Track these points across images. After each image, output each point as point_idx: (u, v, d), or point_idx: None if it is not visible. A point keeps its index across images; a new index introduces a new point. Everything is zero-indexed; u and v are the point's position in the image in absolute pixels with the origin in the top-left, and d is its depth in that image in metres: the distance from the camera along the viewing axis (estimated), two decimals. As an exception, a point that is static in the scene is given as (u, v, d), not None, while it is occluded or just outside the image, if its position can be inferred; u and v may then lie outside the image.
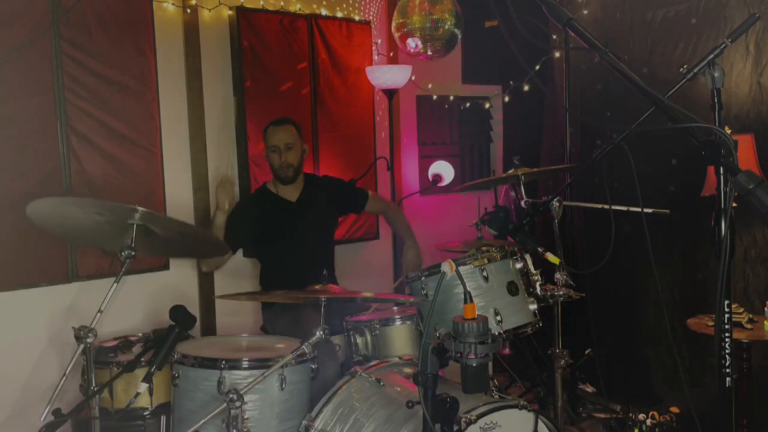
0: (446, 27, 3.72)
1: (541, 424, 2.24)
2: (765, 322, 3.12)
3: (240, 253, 3.77)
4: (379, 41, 4.41)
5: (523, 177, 3.30)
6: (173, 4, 3.56)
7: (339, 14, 4.18)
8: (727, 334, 1.61)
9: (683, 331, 3.44)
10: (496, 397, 2.31)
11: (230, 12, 3.74)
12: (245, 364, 2.39)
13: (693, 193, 3.33)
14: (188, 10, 3.60)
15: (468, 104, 4.98)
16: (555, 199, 2.78)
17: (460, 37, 3.80)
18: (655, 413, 3.48)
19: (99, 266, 3.32)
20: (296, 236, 3.52)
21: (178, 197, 3.61)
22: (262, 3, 3.85)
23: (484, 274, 2.53)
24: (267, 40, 3.83)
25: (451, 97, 4.85)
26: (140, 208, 2.29)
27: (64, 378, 2.13)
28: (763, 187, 1.40)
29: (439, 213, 4.77)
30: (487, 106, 5.08)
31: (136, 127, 3.42)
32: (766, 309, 3.19)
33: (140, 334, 3.04)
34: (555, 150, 4.56)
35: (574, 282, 2.80)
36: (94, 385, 2.30)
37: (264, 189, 3.63)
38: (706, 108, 1.66)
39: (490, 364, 3.04)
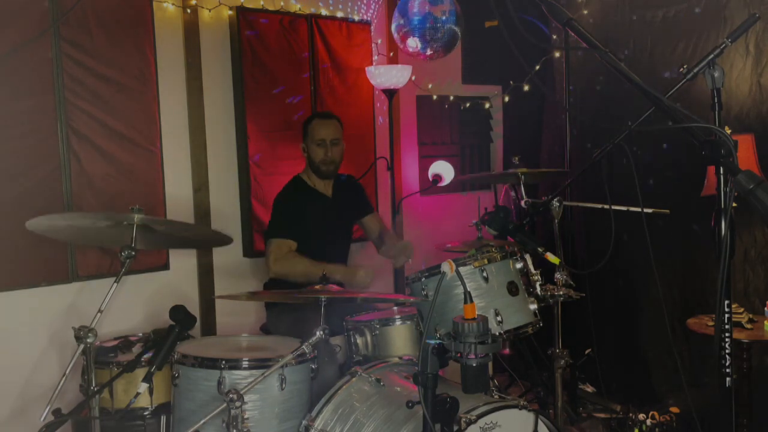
0: (446, 27, 3.72)
1: (541, 424, 2.24)
2: (765, 322, 3.12)
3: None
4: (379, 41, 4.41)
5: (523, 177, 3.30)
6: (173, 4, 3.56)
7: (339, 14, 4.18)
8: (727, 334, 1.61)
9: (683, 331, 3.44)
10: (496, 397, 2.31)
11: (230, 12, 3.74)
12: (245, 364, 2.39)
13: (693, 193, 3.33)
14: (188, 10, 3.60)
15: (468, 104, 4.98)
16: (555, 199, 2.78)
17: (460, 37, 3.80)
18: (655, 413, 3.48)
19: (99, 266, 3.32)
20: (329, 231, 3.48)
21: (178, 197, 3.61)
22: (262, 3, 3.85)
23: (484, 274, 2.53)
24: (267, 40, 3.83)
25: (451, 97, 4.85)
26: (137, 216, 2.30)
27: (64, 378, 2.13)
28: (763, 187, 1.40)
29: (439, 213, 4.77)
30: (487, 106, 5.08)
31: (136, 127, 3.42)
32: (766, 309, 3.19)
33: (140, 334, 3.04)
34: (554, 150, 4.56)
35: (574, 282, 2.80)
36: (94, 385, 2.30)
37: (300, 180, 3.53)
38: (706, 108, 1.66)
39: (490, 364, 3.05)
